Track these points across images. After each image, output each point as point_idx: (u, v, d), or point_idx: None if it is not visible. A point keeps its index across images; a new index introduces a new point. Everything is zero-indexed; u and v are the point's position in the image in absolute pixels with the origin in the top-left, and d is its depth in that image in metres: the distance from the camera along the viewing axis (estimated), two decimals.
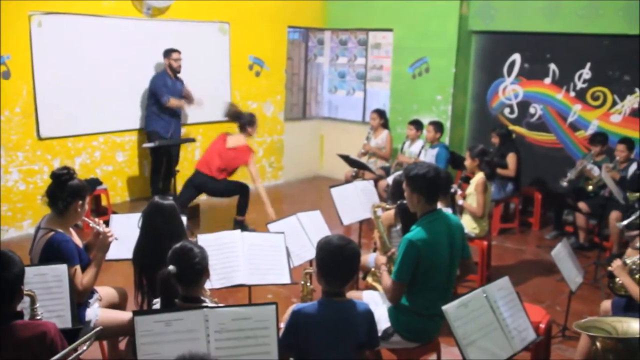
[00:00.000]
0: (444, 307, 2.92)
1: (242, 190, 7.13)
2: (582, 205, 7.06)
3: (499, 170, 7.32)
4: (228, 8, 8.65)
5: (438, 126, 7.86)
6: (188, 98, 7.82)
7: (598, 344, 2.86)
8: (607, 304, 4.39)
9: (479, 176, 5.92)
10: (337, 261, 2.98)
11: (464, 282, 5.38)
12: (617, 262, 4.14)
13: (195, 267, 2.96)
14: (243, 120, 7.04)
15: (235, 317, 2.75)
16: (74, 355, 2.57)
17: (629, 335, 2.86)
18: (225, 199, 7.53)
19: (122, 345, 4.12)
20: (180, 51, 7.61)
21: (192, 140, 7.84)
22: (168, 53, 7.57)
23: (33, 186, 6.98)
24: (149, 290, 3.73)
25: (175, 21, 8.06)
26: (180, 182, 7.56)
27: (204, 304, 2.98)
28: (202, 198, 8.59)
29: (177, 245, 3.04)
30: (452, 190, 5.13)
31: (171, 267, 2.91)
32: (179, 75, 7.70)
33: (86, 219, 3.88)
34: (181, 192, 7.08)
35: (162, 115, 7.56)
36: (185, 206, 6.93)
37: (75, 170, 3.76)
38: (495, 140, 7.82)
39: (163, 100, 7.49)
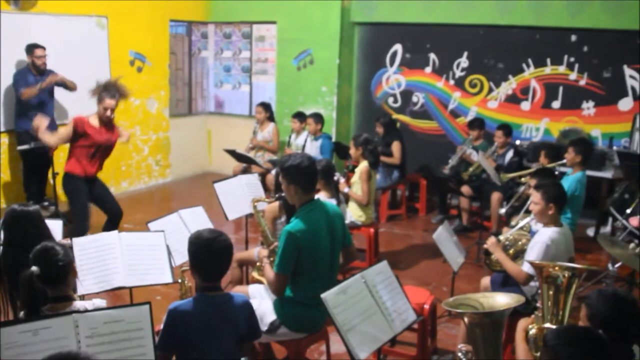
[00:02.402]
0: (323, 295, 2.94)
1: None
2: (464, 189, 7.34)
3: (384, 159, 7.49)
4: (105, 1, 8.31)
5: (318, 118, 7.94)
6: (66, 85, 7.40)
7: (466, 319, 2.97)
8: (486, 281, 4.59)
9: (363, 165, 6.02)
10: (209, 255, 2.94)
11: (352, 269, 5.44)
12: (491, 240, 4.32)
13: (58, 265, 2.86)
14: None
15: (107, 320, 2.64)
16: None
17: (494, 309, 2.98)
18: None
19: None
20: (44, 47, 7.14)
21: None
22: (30, 49, 7.07)
23: None
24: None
25: (48, 15, 7.64)
26: (59, 185, 7.18)
27: (75, 303, 2.89)
28: None
29: (37, 246, 2.93)
30: (336, 178, 5.17)
31: (34, 268, 2.81)
32: (48, 69, 7.26)
33: None
34: None
35: (29, 113, 7.14)
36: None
37: None
38: (379, 129, 7.96)
39: (18, 94, 7.05)
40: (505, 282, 4.35)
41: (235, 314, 2.99)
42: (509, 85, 8.16)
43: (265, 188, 6.72)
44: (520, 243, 4.48)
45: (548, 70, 7.89)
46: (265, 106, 8.37)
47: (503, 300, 3.03)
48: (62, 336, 2.58)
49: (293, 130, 8.19)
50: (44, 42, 7.31)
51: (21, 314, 3.00)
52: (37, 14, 7.56)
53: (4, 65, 7.19)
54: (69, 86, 7.36)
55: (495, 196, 6.94)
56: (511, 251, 4.44)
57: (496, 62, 8.21)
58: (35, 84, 7.11)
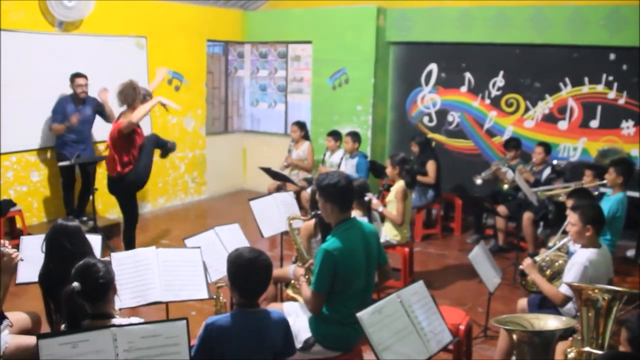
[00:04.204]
0: (359, 314, 2.93)
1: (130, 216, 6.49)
2: (500, 208, 7.26)
3: (419, 178, 7.47)
4: (145, 22, 8.51)
5: (355, 136, 7.94)
6: (104, 114, 7.54)
7: (514, 336, 2.95)
8: (523, 302, 4.52)
9: (399, 184, 6.00)
10: (249, 274, 2.97)
11: (386, 289, 5.43)
12: (527, 261, 4.27)
13: (99, 282, 2.91)
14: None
15: (145, 334, 2.67)
16: None
17: (544, 330, 2.96)
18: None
19: None
20: (86, 76, 7.28)
21: None
22: (72, 78, 7.24)
23: None
24: (59, 314, 3.60)
25: (90, 36, 7.85)
26: (98, 200, 7.34)
27: (114, 320, 2.92)
28: None
29: (80, 262, 2.98)
30: (367, 198, 5.15)
31: (75, 284, 2.86)
32: (90, 97, 7.40)
33: None
34: None
35: (65, 138, 7.31)
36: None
37: None
38: (414, 148, 7.95)
39: (50, 124, 7.29)
40: (542, 304, 4.30)
41: (271, 330, 3.01)
42: (546, 105, 8.08)
43: (300, 206, 6.74)
44: (557, 264, 4.42)
45: (586, 89, 7.80)
46: (301, 125, 8.43)
47: (554, 323, 3.01)
48: (101, 349, 2.62)
49: (328, 149, 8.22)
50: (84, 62, 7.53)
51: (62, 327, 3.05)
52: (79, 35, 7.76)
53: (48, 85, 7.38)
54: (107, 117, 7.48)
55: (527, 216, 6.86)
56: (548, 272, 4.38)
57: (533, 81, 8.15)
58: (74, 113, 7.27)
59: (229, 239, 4.66)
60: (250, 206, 5.42)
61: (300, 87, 9.78)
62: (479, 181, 7.36)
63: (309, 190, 7.59)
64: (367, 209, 5.16)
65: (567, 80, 7.89)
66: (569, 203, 4.80)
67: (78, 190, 7.68)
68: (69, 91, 7.34)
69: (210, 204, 9.69)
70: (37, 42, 7.33)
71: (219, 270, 4.38)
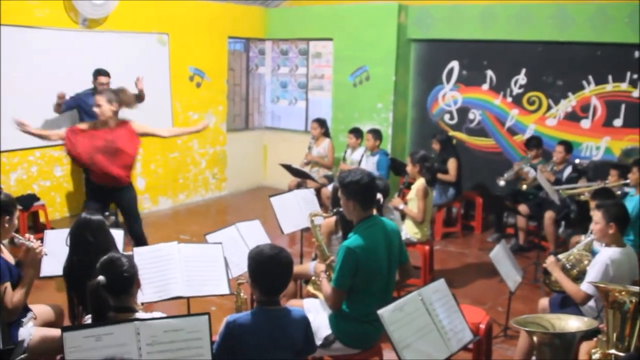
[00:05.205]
0: (379, 311, 2.92)
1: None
2: (521, 207, 7.21)
3: (440, 176, 7.44)
4: (167, 19, 8.56)
5: (377, 134, 7.92)
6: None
7: (535, 338, 2.93)
8: (544, 302, 4.50)
9: (420, 182, 5.99)
10: (270, 271, 2.98)
11: (406, 287, 5.41)
12: (550, 259, 4.26)
13: (123, 276, 2.94)
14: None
15: (167, 328, 2.70)
16: None
17: (565, 331, 2.93)
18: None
19: None
20: (108, 74, 7.27)
21: None
22: (95, 75, 7.26)
23: None
24: (82, 307, 3.65)
25: (113, 32, 7.91)
26: None
27: (137, 314, 2.95)
28: (145, 211, 8.46)
29: (105, 256, 3.02)
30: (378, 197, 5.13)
31: (101, 278, 2.89)
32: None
33: (15, 234, 3.76)
34: None
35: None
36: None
37: None
38: (435, 146, 7.92)
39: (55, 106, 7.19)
40: (564, 303, 4.27)
41: (292, 328, 3.02)
42: (569, 103, 8.00)
43: (321, 203, 6.74)
44: (582, 264, 4.38)
45: (609, 87, 7.70)
46: (321, 122, 8.43)
47: (575, 324, 2.98)
48: (124, 343, 2.66)
49: (349, 146, 8.20)
50: (107, 58, 7.60)
51: (87, 318, 3.09)
52: (103, 32, 7.83)
53: (71, 82, 7.43)
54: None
55: (548, 215, 6.80)
56: (574, 272, 4.35)
57: (555, 79, 8.06)
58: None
59: (250, 235, 4.67)
60: (271, 202, 5.44)
61: (321, 84, 9.77)
62: (502, 183, 7.30)
63: (329, 187, 7.60)
64: (379, 209, 5.14)
65: (590, 78, 7.79)
66: (593, 203, 4.75)
67: None
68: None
69: (231, 200, 9.73)
70: (61, 38, 7.41)
71: (240, 266, 4.40)
